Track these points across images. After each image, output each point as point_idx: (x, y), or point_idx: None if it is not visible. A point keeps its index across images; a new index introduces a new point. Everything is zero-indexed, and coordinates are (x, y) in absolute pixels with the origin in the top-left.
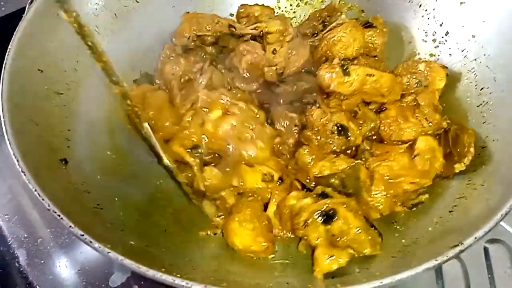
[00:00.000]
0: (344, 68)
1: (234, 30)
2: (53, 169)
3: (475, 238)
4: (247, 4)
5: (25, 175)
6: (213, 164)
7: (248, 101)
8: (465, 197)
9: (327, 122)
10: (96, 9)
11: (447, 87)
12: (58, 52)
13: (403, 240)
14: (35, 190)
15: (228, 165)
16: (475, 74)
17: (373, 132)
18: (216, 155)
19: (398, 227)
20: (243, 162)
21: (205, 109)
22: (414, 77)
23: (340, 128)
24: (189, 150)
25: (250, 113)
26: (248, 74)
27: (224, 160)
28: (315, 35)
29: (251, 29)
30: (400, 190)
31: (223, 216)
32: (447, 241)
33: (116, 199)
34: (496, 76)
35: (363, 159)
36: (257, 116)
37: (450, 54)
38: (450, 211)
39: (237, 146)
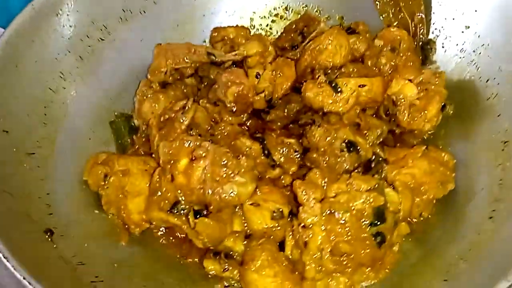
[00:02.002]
0: (333, 84)
1: (213, 58)
2: (38, 245)
3: None
4: (220, 27)
5: (8, 261)
6: (204, 214)
7: (239, 136)
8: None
9: (333, 140)
10: (58, 53)
11: (450, 87)
12: (23, 107)
13: None
14: (24, 279)
15: (220, 211)
16: (476, 66)
17: (381, 139)
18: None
19: None
20: (248, 202)
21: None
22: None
23: (349, 144)
24: (170, 211)
25: (219, 150)
26: (235, 106)
27: (212, 207)
28: (295, 47)
29: (232, 55)
30: (426, 198)
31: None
32: None
33: (116, 265)
34: (501, 65)
35: (379, 171)
36: (251, 148)
37: (445, 50)
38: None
39: (214, 189)
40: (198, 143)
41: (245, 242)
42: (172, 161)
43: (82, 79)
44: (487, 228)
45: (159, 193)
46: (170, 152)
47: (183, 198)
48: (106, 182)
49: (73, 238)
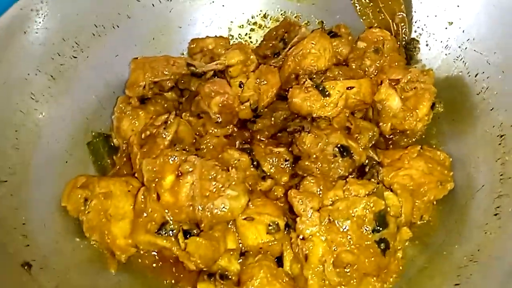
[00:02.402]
0: (320, 88)
1: (194, 69)
2: (16, 279)
3: None
4: (198, 38)
5: None
6: (195, 233)
7: (226, 148)
8: None
9: (325, 146)
10: (28, 73)
11: (438, 84)
12: None
13: None
14: None
15: (212, 228)
16: (463, 62)
17: (373, 142)
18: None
19: None
20: (242, 217)
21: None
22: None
23: (342, 149)
24: (158, 233)
25: (206, 163)
26: (220, 117)
27: (203, 224)
28: (277, 54)
29: (214, 65)
30: (426, 199)
31: None
32: None
33: None
34: (489, 58)
35: (375, 175)
36: (239, 160)
37: (429, 48)
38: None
39: (205, 206)
40: (183, 158)
41: (240, 260)
42: (156, 179)
43: (55, 99)
44: (493, 225)
45: (145, 214)
46: (154, 169)
47: (171, 218)
48: (87, 206)
49: (53, 270)
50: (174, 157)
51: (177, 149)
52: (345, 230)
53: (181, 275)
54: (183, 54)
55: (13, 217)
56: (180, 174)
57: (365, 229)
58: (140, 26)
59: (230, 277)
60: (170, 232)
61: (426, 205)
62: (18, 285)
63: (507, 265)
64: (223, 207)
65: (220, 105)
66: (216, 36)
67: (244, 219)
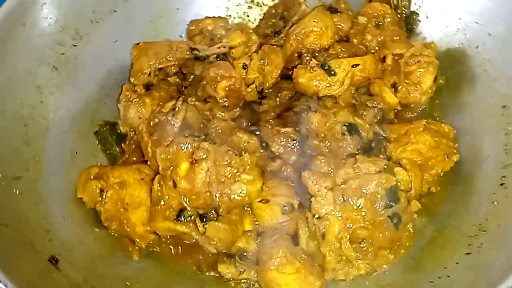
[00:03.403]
0: (325, 67)
1: (197, 53)
2: (47, 275)
3: None
4: (196, 20)
5: None
6: (212, 217)
7: (235, 131)
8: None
9: (333, 124)
10: (32, 66)
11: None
12: (2, 129)
13: None
14: None
15: (229, 212)
16: (464, 34)
17: (378, 117)
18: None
19: None
20: (257, 200)
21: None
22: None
23: (350, 127)
24: (177, 219)
25: (219, 149)
26: (227, 101)
27: (222, 209)
28: (278, 33)
29: (216, 48)
30: (434, 173)
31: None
32: None
33: (128, 283)
34: (490, 30)
35: (382, 150)
36: (248, 142)
37: (430, 21)
38: None
39: (223, 191)
40: (196, 145)
41: (257, 240)
42: (171, 167)
43: (60, 90)
44: (501, 195)
45: (162, 202)
46: (168, 157)
47: (189, 204)
48: (104, 197)
49: (79, 262)
50: (187, 144)
51: (186, 135)
52: (359, 207)
53: (200, 257)
54: (182, 36)
55: (35, 212)
56: (194, 161)
57: (378, 205)
58: (138, 9)
59: (249, 257)
60: (189, 218)
61: (433, 178)
62: (50, 282)
63: None
64: (241, 192)
65: (226, 89)
66: (214, 16)
67: (260, 201)
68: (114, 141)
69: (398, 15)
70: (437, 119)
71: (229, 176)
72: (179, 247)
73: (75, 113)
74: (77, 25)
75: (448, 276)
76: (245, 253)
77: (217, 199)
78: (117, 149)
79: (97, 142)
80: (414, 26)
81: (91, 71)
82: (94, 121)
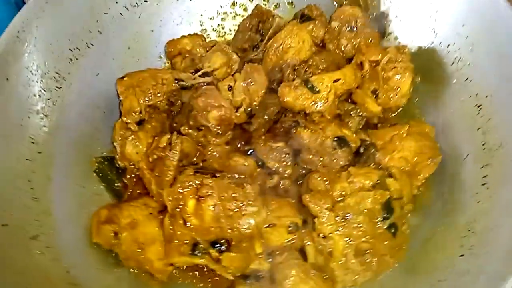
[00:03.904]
0: (309, 86)
1: (183, 83)
2: None
3: None
4: (173, 40)
5: None
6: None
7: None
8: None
9: (323, 140)
10: (22, 118)
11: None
12: (8, 189)
13: None
14: None
15: (240, 240)
16: (434, 33)
17: (362, 124)
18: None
19: None
20: (264, 226)
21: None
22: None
23: (339, 140)
24: (192, 253)
25: (222, 183)
26: (220, 129)
27: (233, 239)
28: (256, 47)
29: (200, 76)
30: (421, 177)
31: None
32: None
33: None
34: (458, 29)
35: (371, 156)
36: (245, 165)
37: (400, 20)
38: None
39: (233, 226)
40: (199, 181)
41: (269, 259)
42: (180, 205)
43: (52, 136)
44: (484, 195)
45: (176, 240)
46: (175, 197)
47: (201, 238)
48: (118, 240)
49: None
50: (190, 182)
51: (185, 164)
52: (359, 224)
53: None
54: (161, 57)
55: (57, 268)
56: (200, 198)
57: (376, 220)
58: (113, 38)
59: (263, 276)
60: (204, 251)
61: (421, 182)
62: None
63: (505, 238)
64: (249, 225)
65: (217, 118)
66: (190, 34)
67: (267, 226)
68: (114, 176)
69: (369, 17)
70: (418, 117)
71: (235, 210)
72: (196, 274)
73: (71, 155)
74: (57, 67)
75: (446, 280)
76: (259, 274)
77: (229, 234)
78: (120, 184)
79: (99, 180)
80: (386, 26)
81: (78, 109)
82: (91, 160)
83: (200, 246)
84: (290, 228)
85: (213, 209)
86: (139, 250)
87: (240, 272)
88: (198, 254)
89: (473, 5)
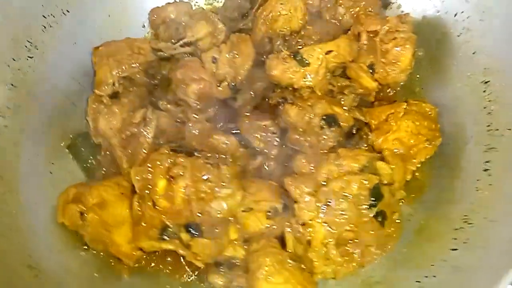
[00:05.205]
0: (298, 58)
1: (162, 53)
2: None
3: None
4: (157, 8)
5: None
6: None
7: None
8: None
9: (311, 118)
10: None
11: (415, 25)
12: None
13: None
14: None
15: (213, 225)
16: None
17: (357, 101)
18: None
19: None
20: (241, 210)
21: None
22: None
23: (328, 119)
24: (161, 237)
25: (196, 163)
26: (200, 104)
27: (203, 223)
28: (245, 16)
29: (181, 46)
30: (417, 161)
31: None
32: None
33: None
34: None
35: (363, 136)
36: (226, 144)
37: None
38: None
39: (203, 209)
40: (172, 160)
41: (245, 246)
42: (149, 186)
43: (22, 108)
44: (485, 183)
45: (143, 224)
46: (144, 177)
47: (171, 222)
48: (85, 221)
49: None
50: (162, 161)
51: (161, 142)
52: (342, 211)
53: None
54: (144, 26)
55: (18, 253)
56: (171, 178)
57: (362, 207)
58: (92, 5)
59: (238, 264)
60: (173, 235)
61: (416, 166)
62: None
63: (505, 232)
64: (221, 209)
65: (197, 92)
66: (176, 1)
67: (243, 211)
68: (88, 153)
69: None
70: (419, 95)
71: (208, 191)
72: (168, 259)
73: (44, 131)
74: (29, 35)
75: (435, 276)
76: (234, 261)
77: (199, 218)
78: (93, 161)
79: (72, 158)
80: None
81: (53, 81)
82: (64, 135)
83: (170, 230)
84: (269, 213)
85: (184, 190)
86: (107, 232)
87: (212, 259)
88: (167, 238)
89: None
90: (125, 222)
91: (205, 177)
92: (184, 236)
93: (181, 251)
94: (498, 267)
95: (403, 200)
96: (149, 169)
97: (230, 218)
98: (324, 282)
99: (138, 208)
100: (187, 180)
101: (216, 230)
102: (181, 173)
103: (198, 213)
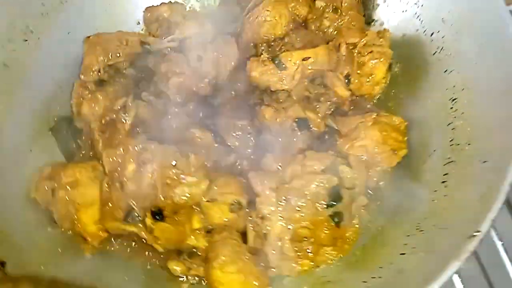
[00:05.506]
0: (276, 61)
1: (148, 47)
2: None
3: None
4: (152, 7)
5: None
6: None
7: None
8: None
9: (284, 119)
10: None
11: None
12: None
13: None
14: None
15: (175, 211)
16: (420, 19)
17: (332, 109)
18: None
19: None
20: (205, 199)
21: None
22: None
23: (300, 122)
24: (126, 219)
25: (166, 150)
26: (180, 97)
27: (167, 211)
28: (236, 20)
29: (168, 41)
30: (380, 169)
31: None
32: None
33: (78, 282)
34: (444, 16)
35: (333, 142)
36: (201, 139)
37: (387, 5)
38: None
39: (167, 194)
40: (143, 146)
41: (207, 237)
42: (119, 168)
43: (11, 88)
44: (441, 194)
45: (110, 204)
46: (115, 159)
47: (136, 205)
48: (54, 197)
49: (29, 264)
50: (134, 146)
51: (139, 132)
52: (300, 208)
53: (152, 254)
54: (139, 23)
55: None
56: (142, 163)
57: (319, 205)
58: None
59: (199, 253)
60: (137, 218)
61: (380, 173)
62: None
63: (452, 238)
64: (184, 194)
65: (177, 84)
66: (170, 1)
67: (207, 201)
68: (70, 136)
69: None
70: (392, 108)
71: (174, 178)
72: (133, 244)
73: (27, 110)
74: (27, 20)
75: (380, 277)
76: (194, 250)
77: (162, 202)
78: (74, 145)
79: (54, 140)
80: (373, 11)
81: (44, 66)
82: (50, 118)
83: (135, 213)
84: (232, 206)
85: (151, 175)
86: (75, 211)
87: (172, 246)
88: (131, 221)
89: None
90: (95, 203)
91: (173, 163)
92: (148, 220)
93: (143, 234)
94: (435, 270)
95: (363, 207)
96: (121, 152)
97: (194, 207)
98: (279, 278)
99: (107, 190)
100: (155, 165)
101: (179, 218)
102: (150, 158)
103: (162, 197)
